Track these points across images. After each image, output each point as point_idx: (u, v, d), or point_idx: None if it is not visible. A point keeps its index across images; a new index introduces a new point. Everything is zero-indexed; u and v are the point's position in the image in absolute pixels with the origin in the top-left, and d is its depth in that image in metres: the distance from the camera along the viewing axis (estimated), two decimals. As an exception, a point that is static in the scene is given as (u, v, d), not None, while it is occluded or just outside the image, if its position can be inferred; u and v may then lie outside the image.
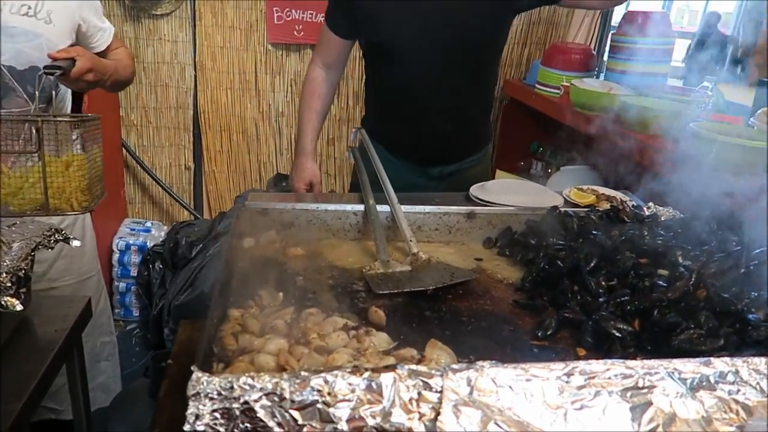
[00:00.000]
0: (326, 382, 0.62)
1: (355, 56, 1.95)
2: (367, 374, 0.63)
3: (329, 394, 0.62)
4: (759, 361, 0.69)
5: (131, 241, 2.95)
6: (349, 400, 0.62)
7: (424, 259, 1.21)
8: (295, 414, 0.61)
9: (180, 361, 1.07)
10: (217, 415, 0.61)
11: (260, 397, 0.62)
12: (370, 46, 1.77)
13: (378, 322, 0.99)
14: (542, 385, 0.65)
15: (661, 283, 1.01)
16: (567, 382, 0.66)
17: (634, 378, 0.66)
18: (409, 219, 1.35)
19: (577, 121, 2.33)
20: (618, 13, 2.99)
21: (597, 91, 2.33)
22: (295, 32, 3.15)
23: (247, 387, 0.62)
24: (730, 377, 0.68)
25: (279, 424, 0.61)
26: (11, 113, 1.51)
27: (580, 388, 0.65)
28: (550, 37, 3.33)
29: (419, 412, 0.62)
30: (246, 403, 0.61)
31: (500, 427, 0.61)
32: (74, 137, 1.32)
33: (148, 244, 2.95)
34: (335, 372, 0.63)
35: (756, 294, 0.96)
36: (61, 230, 1.26)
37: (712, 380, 0.68)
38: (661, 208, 1.41)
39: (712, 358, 0.70)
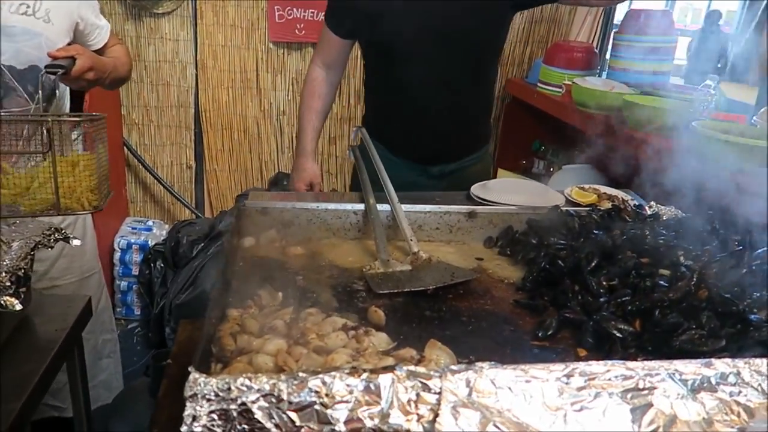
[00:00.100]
0: (324, 383, 0.62)
1: (357, 55, 1.95)
2: (365, 375, 0.62)
3: (327, 395, 0.61)
4: (761, 362, 0.69)
5: (133, 240, 2.95)
6: (347, 402, 0.61)
7: (424, 259, 1.21)
8: (293, 415, 0.61)
9: (179, 361, 1.07)
10: (215, 416, 0.61)
11: (258, 399, 0.61)
12: (369, 45, 1.77)
13: (378, 322, 0.99)
14: (542, 386, 0.65)
15: (662, 283, 1.01)
16: (567, 383, 0.65)
17: (635, 379, 0.66)
18: (410, 218, 1.34)
19: (579, 119, 2.32)
20: (620, 12, 2.98)
21: (599, 90, 2.32)
22: (296, 31, 3.15)
23: (245, 388, 0.61)
24: (732, 378, 0.68)
25: (276, 426, 0.61)
26: (11, 113, 1.51)
27: (580, 389, 0.65)
28: (552, 35, 3.33)
29: (417, 414, 0.62)
30: (243, 404, 0.61)
31: (499, 428, 0.61)
32: (75, 136, 1.32)
33: (149, 242, 2.95)
34: (333, 373, 0.63)
35: (758, 294, 0.95)
36: (61, 229, 1.26)
37: (713, 381, 0.67)
38: (663, 207, 1.40)
39: (713, 359, 0.69)
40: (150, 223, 3.14)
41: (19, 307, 1.08)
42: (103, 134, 1.34)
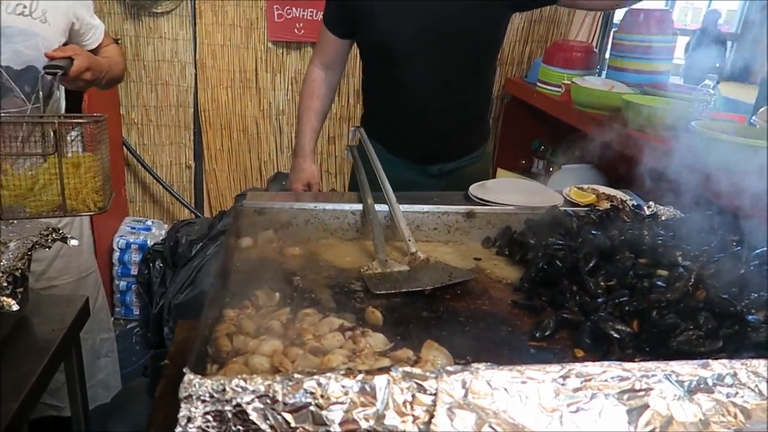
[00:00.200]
0: (319, 384, 0.62)
1: (356, 54, 1.95)
2: (360, 376, 0.62)
3: (322, 396, 0.61)
4: (758, 364, 0.69)
5: (132, 240, 2.95)
6: (342, 403, 0.61)
7: (422, 259, 1.21)
8: (288, 416, 0.61)
9: (177, 362, 1.06)
10: (210, 417, 0.61)
11: (253, 400, 0.61)
12: (367, 45, 1.76)
13: (375, 323, 0.99)
14: (538, 387, 0.64)
15: (660, 283, 1.00)
16: (563, 384, 0.65)
17: (631, 380, 0.66)
18: (408, 218, 1.34)
19: (578, 119, 2.32)
20: (620, 11, 2.97)
21: (598, 90, 2.32)
22: (295, 30, 3.14)
23: (240, 389, 0.61)
24: (728, 380, 0.68)
25: (272, 427, 0.61)
26: (9, 113, 1.51)
27: (576, 390, 0.65)
28: (551, 35, 3.32)
29: (413, 415, 0.61)
30: (238, 405, 0.61)
31: (495, 429, 0.61)
32: (72, 138, 1.31)
33: (148, 242, 2.95)
34: (328, 374, 0.62)
35: (756, 295, 0.95)
36: (58, 229, 1.26)
37: (710, 383, 0.67)
38: (661, 207, 1.40)
39: (710, 361, 0.69)
40: (149, 222, 3.14)
41: (16, 307, 1.07)
42: (105, 135, 1.34)
